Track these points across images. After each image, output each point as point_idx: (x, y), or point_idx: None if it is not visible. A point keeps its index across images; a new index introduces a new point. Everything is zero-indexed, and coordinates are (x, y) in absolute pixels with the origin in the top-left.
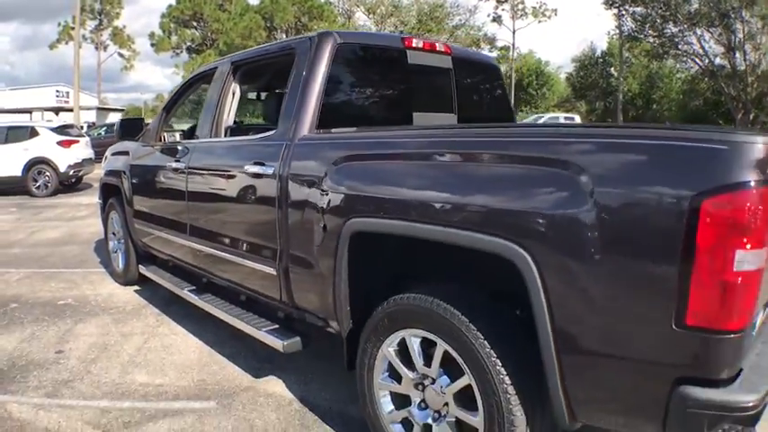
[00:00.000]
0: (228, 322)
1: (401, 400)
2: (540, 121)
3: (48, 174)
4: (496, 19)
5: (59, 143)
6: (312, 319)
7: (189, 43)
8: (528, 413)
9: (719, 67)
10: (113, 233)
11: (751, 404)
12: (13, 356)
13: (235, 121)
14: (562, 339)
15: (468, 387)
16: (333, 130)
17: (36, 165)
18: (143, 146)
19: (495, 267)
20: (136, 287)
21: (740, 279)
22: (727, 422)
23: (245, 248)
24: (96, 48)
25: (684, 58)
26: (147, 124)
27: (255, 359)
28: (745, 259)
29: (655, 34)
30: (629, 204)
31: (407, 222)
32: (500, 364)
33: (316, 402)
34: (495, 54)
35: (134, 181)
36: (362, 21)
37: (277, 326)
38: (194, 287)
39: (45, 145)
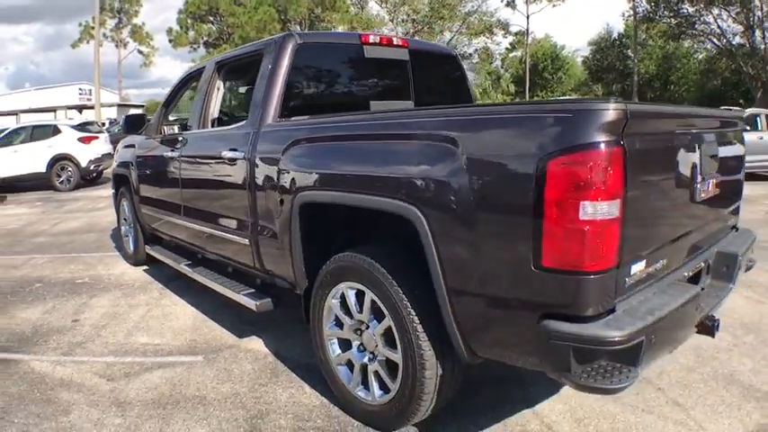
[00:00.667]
0: (215, 289)
1: (345, 345)
2: None
3: (70, 169)
4: (510, 4)
5: (80, 140)
6: (281, 283)
7: (206, 38)
8: (436, 349)
9: (738, 47)
10: (125, 219)
11: (617, 338)
12: (36, 325)
13: (221, 112)
14: (450, 285)
15: (390, 329)
16: (291, 119)
17: (59, 161)
18: (146, 139)
19: (407, 228)
20: (144, 267)
21: (589, 227)
22: (600, 357)
23: (225, 223)
24: (117, 45)
25: (702, 39)
26: (150, 119)
27: (241, 323)
28: (593, 210)
29: (670, 15)
30: (494, 167)
31: (338, 192)
32: (410, 307)
33: (287, 356)
34: (509, 39)
35: (139, 170)
36: (376, 10)
37: (253, 290)
38: (190, 262)
39: (67, 142)
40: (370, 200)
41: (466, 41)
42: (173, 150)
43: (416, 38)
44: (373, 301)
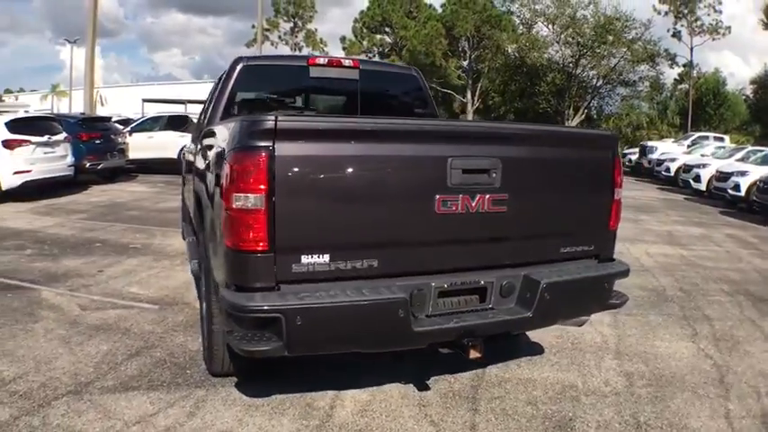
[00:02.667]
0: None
1: None
2: (688, 141)
3: None
4: (676, 34)
5: None
6: None
7: (378, 48)
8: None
9: None
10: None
11: (247, 307)
12: (70, 269)
13: None
14: (209, 254)
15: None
16: None
17: None
18: (191, 135)
19: None
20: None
21: (239, 214)
22: (249, 324)
23: (193, 200)
24: (291, 49)
25: None
26: (192, 120)
27: None
28: (241, 200)
29: None
30: (220, 162)
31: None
32: (208, 272)
33: None
34: (677, 71)
35: (184, 160)
36: (545, 31)
37: None
38: (193, 237)
39: None
40: (198, 185)
41: (630, 68)
42: (190, 145)
43: (583, 61)
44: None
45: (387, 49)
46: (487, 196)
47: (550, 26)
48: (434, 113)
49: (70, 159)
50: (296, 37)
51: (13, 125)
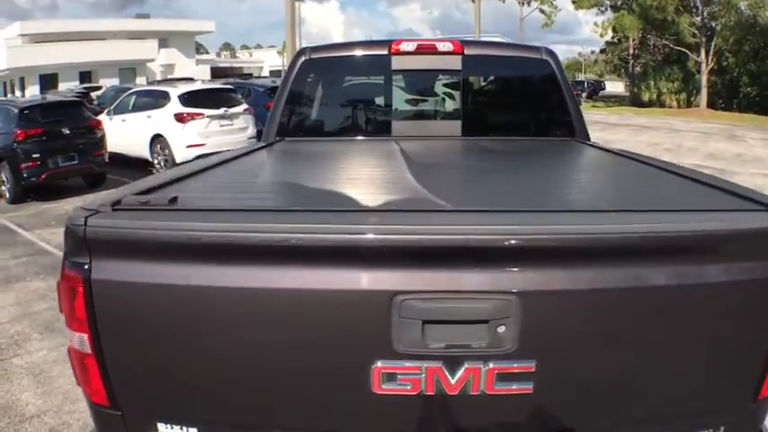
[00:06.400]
0: None
1: None
2: None
3: None
4: None
5: None
6: None
7: (610, 2)
8: None
9: None
10: None
11: None
12: None
13: None
14: None
15: None
16: None
17: None
18: None
19: None
20: None
21: (74, 355)
22: None
23: None
24: (521, 3)
25: None
26: None
27: None
28: (71, 337)
29: None
30: None
31: None
32: None
33: None
34: None
35: None
36: None
37: None
38: None
39: None
40: None
41: None
42: None
43: None
44: None
45: (619, 2)
46: (490, 366)
47: None
48: (576, 126)
49: (251, 131)
50: None
51: (187, 98)
